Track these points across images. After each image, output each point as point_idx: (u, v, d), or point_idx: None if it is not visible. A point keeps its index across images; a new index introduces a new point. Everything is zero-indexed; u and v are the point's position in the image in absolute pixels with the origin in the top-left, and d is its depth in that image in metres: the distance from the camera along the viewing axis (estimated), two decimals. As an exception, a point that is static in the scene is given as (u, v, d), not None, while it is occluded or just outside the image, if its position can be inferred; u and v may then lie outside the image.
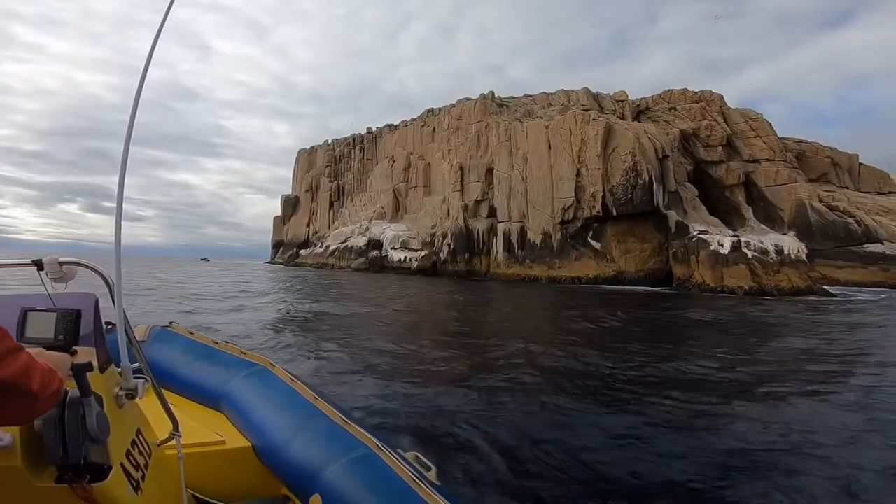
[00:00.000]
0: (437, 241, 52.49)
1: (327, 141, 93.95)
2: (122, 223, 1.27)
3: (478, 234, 49.38)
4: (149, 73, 1.34)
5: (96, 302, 1.21)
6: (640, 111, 49.23)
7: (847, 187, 50.26)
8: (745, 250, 28.53)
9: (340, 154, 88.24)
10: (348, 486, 1.67)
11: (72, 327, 1.14)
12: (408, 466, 1.74)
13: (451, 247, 49.91)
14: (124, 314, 1.27)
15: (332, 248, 68.09)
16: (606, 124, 38.60)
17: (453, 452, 3.70)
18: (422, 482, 1.64)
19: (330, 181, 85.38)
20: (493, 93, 56.03)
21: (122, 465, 1.13)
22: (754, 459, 3.78)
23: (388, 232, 61.57)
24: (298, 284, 27.74)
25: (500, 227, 46.56)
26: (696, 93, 47.49)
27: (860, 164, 52.19)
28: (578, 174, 39.59)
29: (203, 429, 2.02)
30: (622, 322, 13.36)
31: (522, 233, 44.26)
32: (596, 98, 48.35)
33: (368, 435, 1.88)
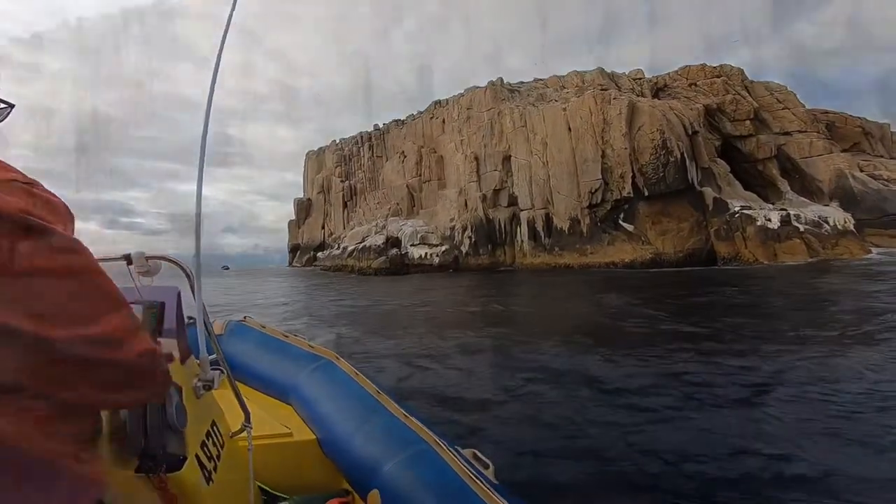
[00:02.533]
0: (456, 234, 51.33)
1: (335, 141, 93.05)
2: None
3: (499, 224, 48.12)
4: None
5: (178, 295, 1.24)
6: (658, 89, 47.47)
7: (882, 156, 48.24)
8: (795, 224, 27.06)
9: (349, 153, 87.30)
10: (406, 482, 1.67)
11: (156, 319, 1.16)
12: (465, 464, 1.73)
13: (473, 239, 48.72)
14: (203, 307, 1.28)
15: (349, 248, 67.22)
16: (629, 102, 37.09)
17: (513, 454, 3.59)
18: (479, 479, 1.63)
19: (341, 181, 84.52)
20: (501, 79, 54.52)
21: (196, 455, 1.15)
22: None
23: (405, 228, 60.54)
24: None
25: (524, 216, 45.25)
26: (714, 67, 45.68)
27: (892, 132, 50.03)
28: (604, 155, 38.13)
29: (272, 420, 2.06)
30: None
31: (548, 220, 42.93)
32: (611, 77, 46.72)
33: (428, 431, 1.84)
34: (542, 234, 43.40)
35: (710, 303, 12.83)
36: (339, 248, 73.14)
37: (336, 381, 2.23)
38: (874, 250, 25.05)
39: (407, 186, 66.76)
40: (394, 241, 60.75)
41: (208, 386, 1.25)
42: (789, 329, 8.33)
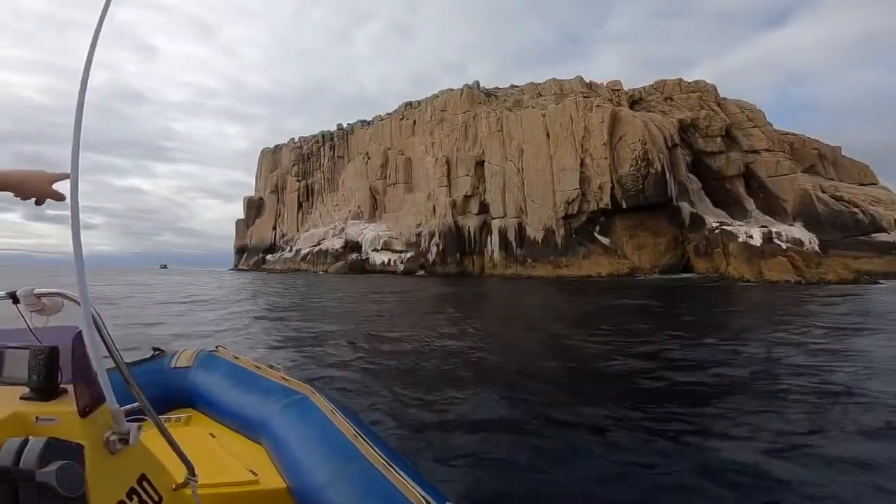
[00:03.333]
0: (423, 240, 48.48)
1: (293, 139, 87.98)
2: (70, 232, 1.05)
3: (469, 231, 45.80)
4: (91, 75, 1.11)
5: (78, 334, 1.09)
6: (634, 102, 47.33)
7: (832, 179, 50.53)
8: (777, 241, 26.44)
9: (308, 152, 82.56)
10: None
11: (44, 367, 1.06)
12: None
13: (440, 247, 46.04)
14: (113, 346, 1.14)
15: (304, 251, 62.59)
16: (612, 111, 36.08)
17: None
18: None
19: (297, 181, 79.56)
20: (477, 83, 52.78)
21: None
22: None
23: (366, 233, 56.97)
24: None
25: (495, 224, 43.19)
26: (690, 83, 46.04)
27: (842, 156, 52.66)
28: (582, 164, 36.83)
29: (238, 465, 1.89)
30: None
31: (521, 229, 41.08)
32: (590, 87, 45.96)
33: (410, 484, 1.61)
34: (514, 244, 41.48)
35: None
36: (291, 250, 68.16)
37: (310, 420, 2.02)
38: (884, 282, 24.18)
39: (370, 189, 63.25)
40: (353, 246, 56.95)
41: (125, 440, 1.09)
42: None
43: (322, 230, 64.88)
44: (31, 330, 1.09)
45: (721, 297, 17.31)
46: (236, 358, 2.64)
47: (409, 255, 48.75)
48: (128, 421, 1.12)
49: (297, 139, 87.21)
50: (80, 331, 1.09)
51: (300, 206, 78.02)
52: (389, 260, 49.98)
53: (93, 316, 1.07)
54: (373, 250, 53.32)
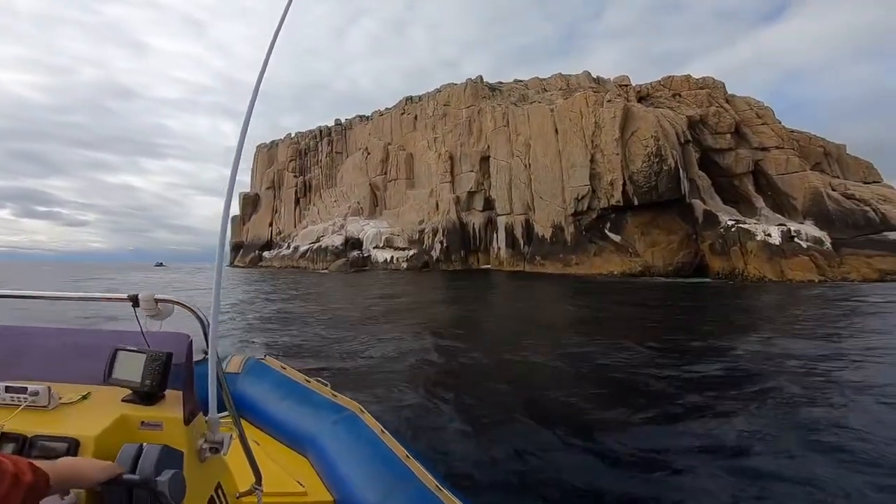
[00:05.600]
0: (426, 237, 47.53)
1: (290, 134, 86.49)
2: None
3: (473, 228, 44.94)
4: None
5: (190, 344, 1.15)
6: (641, 98, 46.62)
7: (838, 177, 50.29)
8: (798, 241, 25.83)
9: (306, 148, 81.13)
10: None
11: (160, 371, 1.10)
12: None
13: (444, 244, 45.14)
14: (217, 359, 1.16)
15: (302, 248, 61.31)
16: (625, 106, 35.29)
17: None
18: None
19: (294, 177, 78.13)
20: (481, 77, 51.79)
21: None
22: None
23: (367, 230, 55.86)
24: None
25: (501, 221, 42.33)
26: (698, 79, 45.42)
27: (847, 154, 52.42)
28: (592, 160, 36.04)
29: (285, 475, 1.90)
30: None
31: (528, 226, 40.26)
32: (598, 82, 45.16)
33: None
34: (521, 241, 40.66)
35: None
36: (289, 247, 66.81)
37: (360, 438, 2.01)
38: None
39: (370, 185, 62.09)
40: (354, 243, 55.80)
41: (216, 449, 1.13)
42: None
43: (321, 227, 63.62)
44: (143, 334, 1.11)
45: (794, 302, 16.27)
46: (284, 368, 2.62)
47: (412, 252, 47.76)
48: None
49: (293, 135, 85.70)
50: (191, 340, 1.13)
51: (297, 202, 76.63)
52: (392, 257, 48.95)
53: (205, 328, 1.09)
54: (374, 247, 52.24)
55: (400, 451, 1.90)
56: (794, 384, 5.21)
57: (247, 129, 1.20)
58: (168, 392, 1.09)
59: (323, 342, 8.04)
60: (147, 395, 1.08)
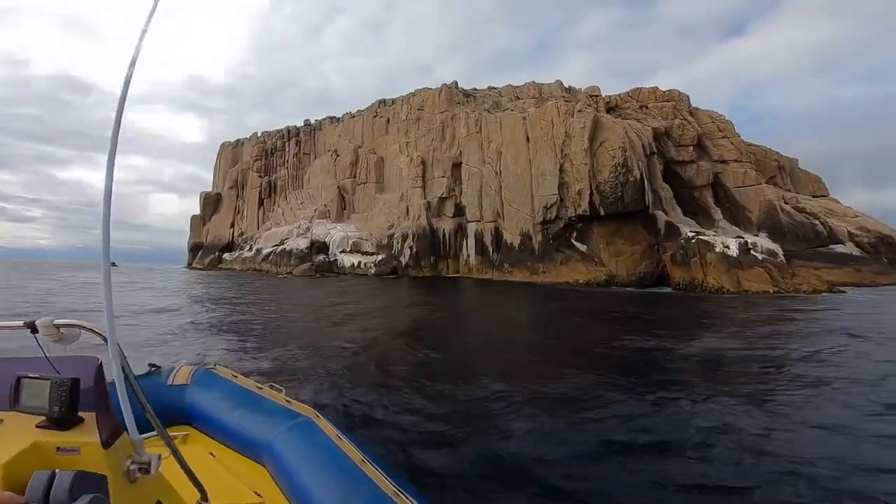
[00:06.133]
0: (396, 243, 46.82)
1: (256, 133, 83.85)
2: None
3: (444, 234, 44.57)
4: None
5: (99, 366, 1.10)
6: (609, 108, 47.65)
7: (790, 190, 52.94)
8: (754, 252, 26.80)
9: (272, 147, 78.81)
10: None
11: (67, 397, 1.06)
12: None
13: (414, 249, 44.55)
14: (130, 376, 1.11)
15: (265, 251, 59.30)
16: (594, 117, 35.86)
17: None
18: None
19: (259, 177, 75.69)
20: (456, 82, 51.66)
21: None
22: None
23: (334, 233, 54.54)
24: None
25: (471, 228, 42.17)
26: (664, 91, 46.84)
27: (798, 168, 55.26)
28: (562, 169, 36.41)
29: (242, 486, 1.87)
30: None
31: (497, 234, 40.25)
32: (569, 91, 45.86)
33: None
34: (490, 248, 40.61)
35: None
36: (251, 249, 64.49)
37: (316, 444, 1.99)
38: (849, 291, 24.95)
39: (338, 187, 60.79)
40: (320, 247, 54.35)
41: (145, 470, 1.09)
42: None
43: (285, 229, 61.75)
44: (48, 360, 1.07)
45: (757, 314, 16.88)
46: (235, 376, 2.58)
47: (380, 257, 46.93)
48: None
49: (259, 133, 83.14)
50: (101, 363, 1.08)
51: (261, 203, 74.21)
52: (360, 262, 47.94)
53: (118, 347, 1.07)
54: (341, 252, 51.06)
55: (356, 455, 1.88)
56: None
57: (120, 120, 1.08)
58: (87, 415, 1.05)
59: (279, 348, 7.77)
60: (63, 420, 1.03)
